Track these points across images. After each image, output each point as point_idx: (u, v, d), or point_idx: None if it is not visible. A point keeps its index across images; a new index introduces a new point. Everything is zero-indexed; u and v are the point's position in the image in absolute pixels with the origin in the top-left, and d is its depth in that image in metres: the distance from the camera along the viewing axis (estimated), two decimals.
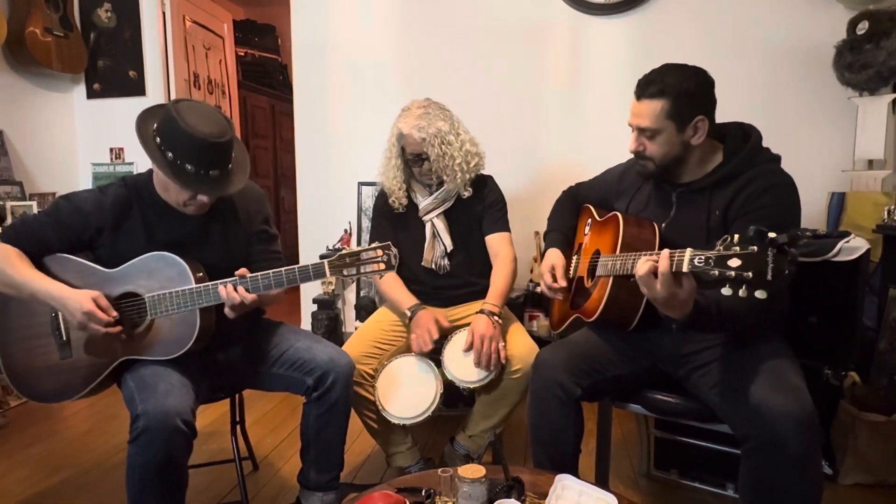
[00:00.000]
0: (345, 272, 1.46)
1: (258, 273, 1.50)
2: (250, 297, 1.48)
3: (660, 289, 1.21)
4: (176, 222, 1.59)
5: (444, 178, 1.98)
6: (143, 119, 1.53)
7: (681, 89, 1.43)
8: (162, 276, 1.52)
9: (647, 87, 1.46)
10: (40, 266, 1.53)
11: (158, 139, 1.47)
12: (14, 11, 3.04)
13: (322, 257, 3.00)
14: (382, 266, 1.45)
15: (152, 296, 1.51)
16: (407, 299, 1.96)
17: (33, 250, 1.53)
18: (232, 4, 5.14)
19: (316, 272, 1.47)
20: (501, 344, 1.83)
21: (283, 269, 1.49)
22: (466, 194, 2.03)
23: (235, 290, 1.47)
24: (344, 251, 1.47)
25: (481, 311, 1.88)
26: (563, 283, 1.69)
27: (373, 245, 1.46)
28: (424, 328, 1.87)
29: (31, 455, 2.31)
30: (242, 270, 1.49)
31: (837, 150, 2.64)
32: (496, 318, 1.87)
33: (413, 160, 1.97)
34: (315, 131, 3.21)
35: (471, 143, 2.01)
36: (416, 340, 1.88)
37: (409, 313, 1.93)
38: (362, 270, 1.46)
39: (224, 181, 1.51)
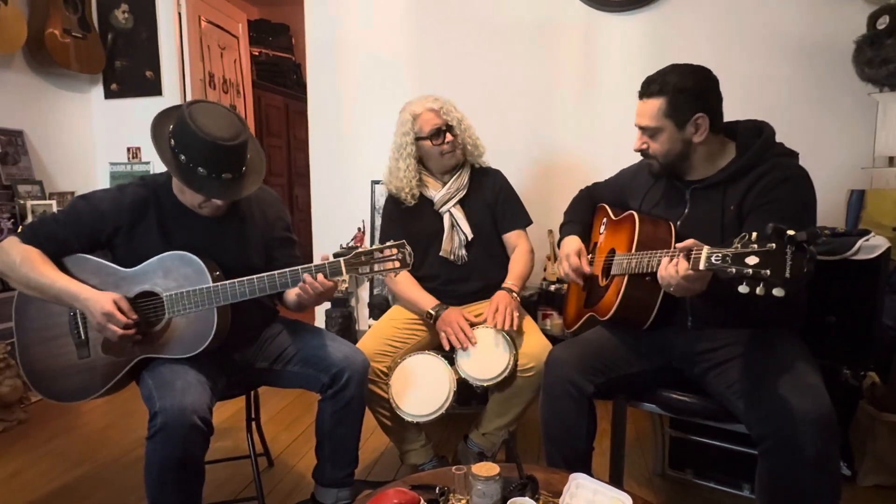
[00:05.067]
0: (360, 270, 1.47)
1: (275, 272, 1.51)
2: (329, 283, 1.50)
3: (692, 285, 1.24)
4: (192, 224, 1.61)
5: (468, 143, 2.03)
6: (159, 121, 1.53)
7: (677, 87, 1.43)
8: (179, 275, 1.53)
9: (649, 86, 1.49)
10: (60, 266, 1.55)
11: (173, 141, 1.48)
12: (33, 13, 3.08)
13: (336, 255, 3.03)
14: (398, 264, 1.46)
15: (170, 294, 1.52)
16: (427, 300, 1.97)
17: (52, 250, 1.55)
18: (246, 4, 5.18)
19: (332, 270, 1.49)
20: (517, 313, 1.88)
21: (299, 266, 1.51)
22: (486, 164, 2.13)
23: (315, 278, 1.48)
24: (360, 249, 1.48)
25: (501, 288, 1.95)
26: (585, 264, 1.70)
27: (388, 244, 1.47)
28: (456, 325, 1.87)
29: (51, 450, 2.36)
30: (325, 255, 1.51)
31: (857, 146, 2.60)
32: (514, 294, 1.94)
33: (433, 136, 1.98)
34: (329, 130, 3.23)
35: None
36: (449, 338, 1.87)
37: (433, 312, 1.93)
38: (377, 268, 1.47)
39: (237, 185, 1.52)
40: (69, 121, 3.41)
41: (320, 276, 1.49)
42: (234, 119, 1.52)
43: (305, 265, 1.51)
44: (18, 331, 1.60)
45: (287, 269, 1.51)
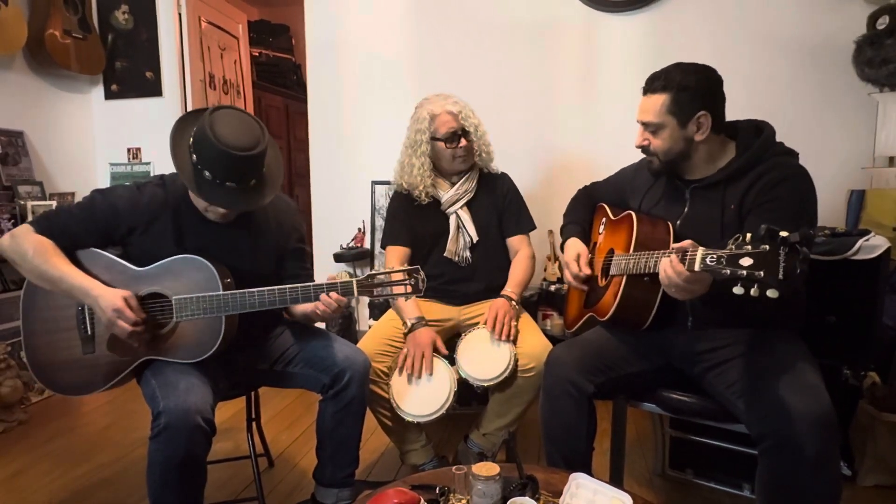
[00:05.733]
0: (374, 292, 1.48)
1: (286, 286, 1.51)
2: (344, 299, 1.51)
3: (691, 287, 1.23)
4: (206, 228, 1.60)
5: (482, 151, 2.03)
6: (184, 120, 1.53)
7: (682, 84, 1.44)
8: (189, 279, 1.53)
9: (653, 82, 1.49)
10: (72, 259, 1.54)
11: (192, 140, 1.48)
12: (34, 14, 3.08)
13: (336, 256, 3.04)
14: (409, 289, 1.47)
15: (179, 298, 1.52)
16: (411, 309, 1.96)
17: (66, 243, 1.54)
18: (246, 5, 5.18)
19: (344, 290, 1.49)
20: (514, 322, 1.89)
21: (311, 283, 1.51)
22: (498, 171, 2.13)
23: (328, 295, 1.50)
24: (373, 271, 1.48)
25: (500, 296, 1.96)
26: (587, 270, 1.69)
27: (402, 268, 1.48)
28: (420, 350, 1.86)
29: (52, 450, 2.36)
30: (333, 276, 1.52)
31: (857, 146, 2.61)
32: (514, 302, 1.94)
33: (448, 139, 1.97)
34: (329, 131, 3.23)
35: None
36: (408, 355, 1.86)
37: (409, 324, 1.93)
38: (389, 292, 1.47)
39: (242, 195, 1.50)
40: (69, 121, 3.41)
41: (334, 294, 1.49)
42: (255, 130, 1.49)
43: (318, 283, 1.51)
44: (25, 320, 1.60)
45: (299, 286, 1.50)
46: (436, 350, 1.89)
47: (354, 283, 1.48)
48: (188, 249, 1.55)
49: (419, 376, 1.85)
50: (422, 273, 1.47)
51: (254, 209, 1.59)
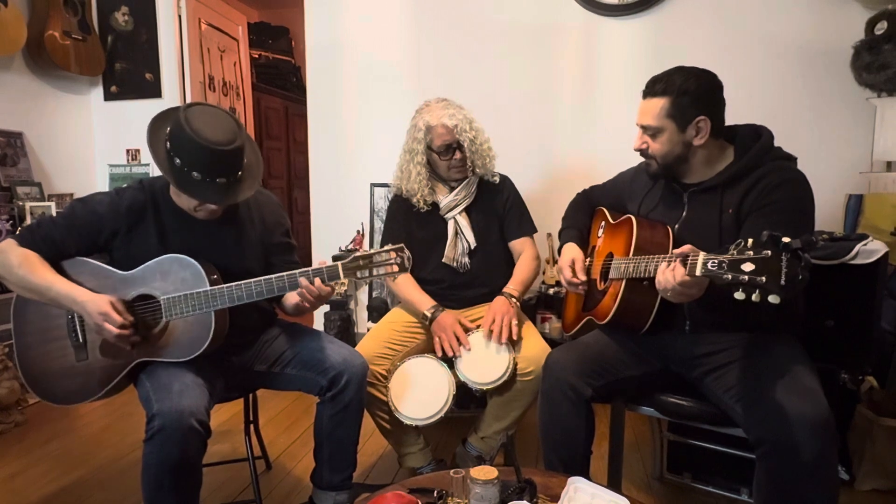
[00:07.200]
0: (358, 274, 1.47)
1: (272, 276, 1.51)
2: (326, 288, 1.50)
3: (689, 291, 1.24)
4: (190, 228, 1.60)
5: (477, 164, 2.02)
6: (156, 124, 1.53)
7: (682, 89, 1.44)
8: (176, 278, 1.53)
9: (654, 85, 1.49)
10: (58, 269, 1.54)
11: (169, 144, 1.48)
12: (34, 15, 3.09)
13: (335, 258, 3.02)
14: (396, 268, 1.46)
15: (167, 298, 1.52)
16: (424, 301, 1.97)
17: (51, 254, 1.54)
18: (246, 7, 5.19)
19: (330, 274, 1.49)
20: (515, 322, 1.88)
21: (296, 271, 1.51)
22: (496, 180, 2.09)
23: (311, 282, 1.49)
24: (357, 253, 1.48)
25: (501, 294, 1.96)
26: (582, 276, 1.69)
27: (386, 247, 1.47)
28: (451, 331, 1.88)
29: (49, 452, 2.35)
30: (322, 261, 1.51)
31: (855, 151, 2.61)
32: (514, 300, 1.94)
33: (443, 152, 1.97)
34: (328, 133, 3.23)
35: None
36: (442, 344, 1.88)
37: (428, 314, 1.94)
38: (375, 272, 1.47)
39: (232, 189, 1.51)
40: (69, 122, 3.41)
41: (318, 281, 1.49)
42: (230, 123, 1.51)
43: (303, 269, 1.51)
44: (17, 333, 1.60)
45: (285, 274, 1.50)
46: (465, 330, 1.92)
47: (340, 265, 1.48)
48: (173, 250, 1.55)
49: (460, 354, 1.87)
50: (407, 251, 1.47)
51: (244, 200, 1.60)
